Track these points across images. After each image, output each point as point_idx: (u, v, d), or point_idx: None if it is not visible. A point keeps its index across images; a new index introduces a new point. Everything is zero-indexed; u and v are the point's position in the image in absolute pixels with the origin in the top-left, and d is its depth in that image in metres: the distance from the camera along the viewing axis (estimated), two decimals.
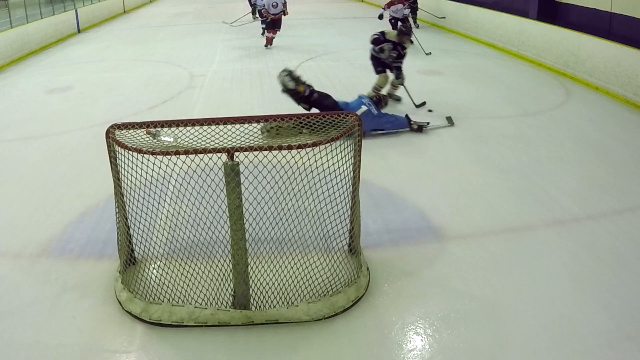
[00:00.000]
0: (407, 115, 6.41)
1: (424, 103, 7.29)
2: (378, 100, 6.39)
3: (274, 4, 11.50)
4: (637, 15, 8.03)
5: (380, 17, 11.55)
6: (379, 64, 7.37)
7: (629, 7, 8.20)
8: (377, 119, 6.13)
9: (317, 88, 8.21)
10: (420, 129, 6.28)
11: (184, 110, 7.22)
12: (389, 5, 11.48)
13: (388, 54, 7.09)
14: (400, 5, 11.46)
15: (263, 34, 12.56)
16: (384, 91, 7.31)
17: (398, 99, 7.51)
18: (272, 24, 11.78)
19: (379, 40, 7.23)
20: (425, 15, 14.29)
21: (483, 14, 12.15)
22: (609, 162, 5.44)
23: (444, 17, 13.29)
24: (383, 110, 6.40)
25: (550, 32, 9.59)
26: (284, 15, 11.78)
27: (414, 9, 13.67)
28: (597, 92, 8.03)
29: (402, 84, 7.31)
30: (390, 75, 7.38)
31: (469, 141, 6.05)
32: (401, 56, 7.17)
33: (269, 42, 11.86)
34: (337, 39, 13.00)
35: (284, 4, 11.66)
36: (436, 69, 9.65)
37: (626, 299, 3.37)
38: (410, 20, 13.78)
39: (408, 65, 9.88)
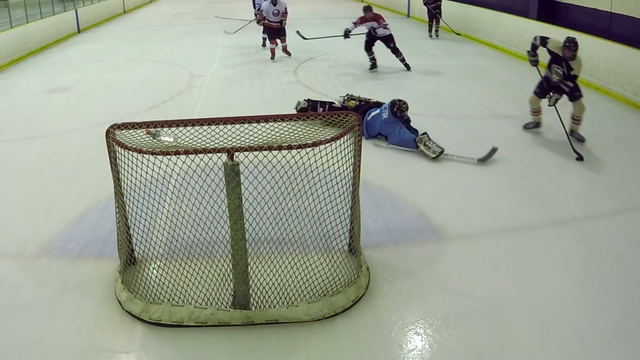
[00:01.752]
0: (425, 134, 5.68)
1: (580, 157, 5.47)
2: (393, 105, 5.88)
3: (275, 12, 10.20)
4: (637, 15, 8.03)
5: (346, 34, 9.54)
6: (546, 86, 5.94)
7: (629, 7, 8.20)
8: (383, 125, 5.88)
9: (317, 88, 8.27)
10: (426, 153, 5.50)
11: (184, 110, 7.22)
12: (361, 21, 9.21)
13: (555, 71, 5.73)
14: (374, 23, 9.13)
15: (264, 45, 11.59)
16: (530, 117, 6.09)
17: (581, 140, 5.85)
18: (274, 33, 10.54)
19: (535, 46, 5.94)
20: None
21: (483, 14, 12.15)
22: (609, 162, 5.44)
23: (459, 34, 12.59)
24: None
25: (550, 32, 9.56)
26: (282, 24, 10.50)
27: (434, 15, 12.47)
28: (597, 92, 8.02)
29: (553, 105, 5.88)
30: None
31: (468, 141, 6.04)
32: (568, 76, 5.61)
33: (273, 54, 10.66)
34: (336, 39, 12.96)
35: (284, 14, 10.35)
36: (436, 69, 9.65)
37: (626, 299, 3.37)
38: (433, 29, 12.52)
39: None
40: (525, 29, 10.39)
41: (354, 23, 9.27)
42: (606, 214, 4.42)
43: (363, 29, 9.27)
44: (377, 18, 9.15)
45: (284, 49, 10.78)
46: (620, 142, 5.98)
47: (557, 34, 9.26)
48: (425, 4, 12.62)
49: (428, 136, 5.70)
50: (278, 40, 10.62)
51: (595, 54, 8.24)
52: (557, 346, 2.99)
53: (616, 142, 6.00)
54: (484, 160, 5.41)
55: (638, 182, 4.99)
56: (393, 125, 5.86)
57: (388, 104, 6.01)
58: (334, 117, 3.38)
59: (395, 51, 9.43)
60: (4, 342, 3.09)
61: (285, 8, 10.33)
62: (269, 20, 10.29)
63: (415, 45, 11.77)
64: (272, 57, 10.63)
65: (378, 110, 6.05)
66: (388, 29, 9.15)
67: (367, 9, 9.30)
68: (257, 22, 10.84)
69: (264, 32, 11.40)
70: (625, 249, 3.92)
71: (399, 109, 5.88)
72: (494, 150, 5.46)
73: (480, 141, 6.03)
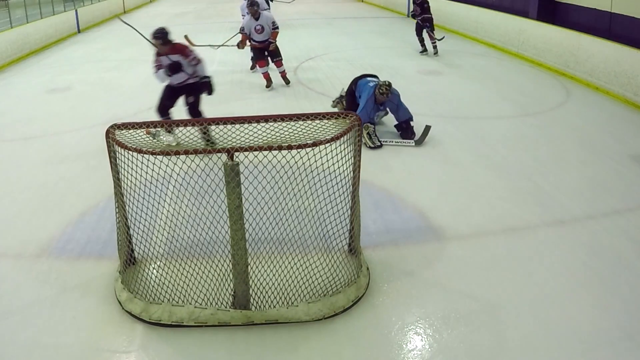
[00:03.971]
0: (373, 126, 5.83)
1: None
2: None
3: (258, 27, 7.85)
4: (637, 15, 8.03)
5: (163, 114, 5.69)
6: None
7: (629, 7, 8.20)
8: (364, 88, 6.05)
9: (317, 88, 8.28)
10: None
11: (184, 110, 7.20)
12: (157, 58, 5.49)
13: None
14: (175, 57, 5.36)
15: (253, 67, 9.16)
16: None
17: None
18: (261, 53, 8.18)
19: None
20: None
21: (483, 14, 12.15)
22: (609, 162, 5.43)
23: (443, 37, 11.08)
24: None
25: (550, 32, 9.59)
26: (270, 46, 8.01)
27: (422, 29, 10.73)
28: (597, 92, 8.03)
29: None
30: None
31: (469, 141, 6.05)
32: None
33: (268, 80, 8.29)
34: (337, 39, 12.99)
35: (274, 29, 7.95)
36: (436, 69, 9.66)
37: (626, 299, 3.37)
38: (428, 45, 10.71)
39: (407, 65, 9.95)
40: (525, 29, 10.40)
41: (155, 71, 5.55)
42: (606, 214, 4.42)
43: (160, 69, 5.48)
44: (182, 49, 5.43)
45: (283, 76, 8.44)
46: (620, 142, 5.98)
47: (557, 34, 9.30)
48: (411, 16, 11.22)
49: (374, 130, 5.93)
50: (272, 64, 8.32)
51: (595, 54, 8.25)
52: (557, 346, 2.99)
53: (616, 142, 6.00)
54: (420, 141, 5.79)
55: (638, 182, 4.99)
56: (368, 95, 5.93)
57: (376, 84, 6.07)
58: (334, 117, 3.37)
59: (195, 110, 5.70)
60: (4, 342, 3.09)
61: (273, 22, 7.94)
62: (254, 41, 8.01)
63: (414, 45, 11.76)
64: (268, 85, 8.30)
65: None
66: (199, 64, 5.47)
67: (159, 34, 5.32)
68: (238, 46, 8.11)
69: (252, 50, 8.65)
70: (625, 249, 3.92)
71: (379, 90, 5.89)
72: (427, 128, 5.85)
73: (480, 141, 6.04)
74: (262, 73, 8.30)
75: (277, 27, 8.03)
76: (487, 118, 6.86)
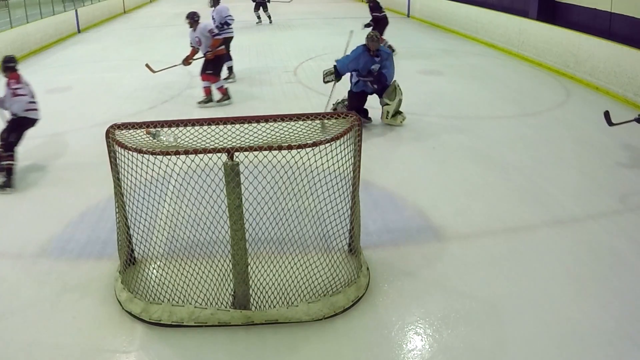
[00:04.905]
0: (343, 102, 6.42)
1: None
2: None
3: (196, 39, 7.22)
4: (637, 15, 8.03)
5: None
6: None
7: (629, 7, 8.20)
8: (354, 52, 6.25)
9: (317, 88, 8.27)
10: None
11: (184, 110, 7.22)
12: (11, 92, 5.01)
13: None
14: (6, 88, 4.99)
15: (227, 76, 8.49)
16: None
17: None
18: (203, 67, 7.38)
19: None
20: (416, 20, 13.58)
21: (483, 14, 12.15)
22: (609, 162, 5.44)
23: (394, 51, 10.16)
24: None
25: (550, 32, 9.59)
26: (211, 54, 7.20)
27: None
28: (597, 92, 8.02)
29: None
30: None
31: (469, 141, 6.05)
32: None
33: (206, 94, 7.44)
34: (337, 39, 12.96)
35: (214, 37, 7.18)
36: (436, 69, 9.65)
37: (626, 299, 3.37)
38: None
39: (407, 65, 9.94)
40: (525, 29, 10.40)
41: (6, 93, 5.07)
42: (606, 214, 4.42)
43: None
44: (8, 79, 5.03)
45: (220, 92, 7.52)
46: (619, 142, 5.98)
47: (557, 34, 9.30)
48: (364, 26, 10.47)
49: (343, 104, 6.50)
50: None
51: (595, 54, 8.25)
52: (557, 346, 2.99)
53: (616, 141, 6.00)
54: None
55: (638, 182, 5.00)
56: (355, 54, 6.21)
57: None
58: (334, 117, 3.37)
59: (8, 147, 5.02)
60: (4, 342, 3.09)
61: (210, 31, 7.18)
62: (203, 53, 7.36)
63: (415, 45, 11.78)
64: (201, 100, 7.45)
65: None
66: (12, 98, 5.00)
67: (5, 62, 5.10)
68: (183, 62, 7.52)
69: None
70: (625, 249, 3.92)
71: (369, 40, 6.13)
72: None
73: (480, 141, 6.04)
74: (203, 87, 7.44)
75: (218, 34, 7.31)
76: (487, 118, 6.86)
